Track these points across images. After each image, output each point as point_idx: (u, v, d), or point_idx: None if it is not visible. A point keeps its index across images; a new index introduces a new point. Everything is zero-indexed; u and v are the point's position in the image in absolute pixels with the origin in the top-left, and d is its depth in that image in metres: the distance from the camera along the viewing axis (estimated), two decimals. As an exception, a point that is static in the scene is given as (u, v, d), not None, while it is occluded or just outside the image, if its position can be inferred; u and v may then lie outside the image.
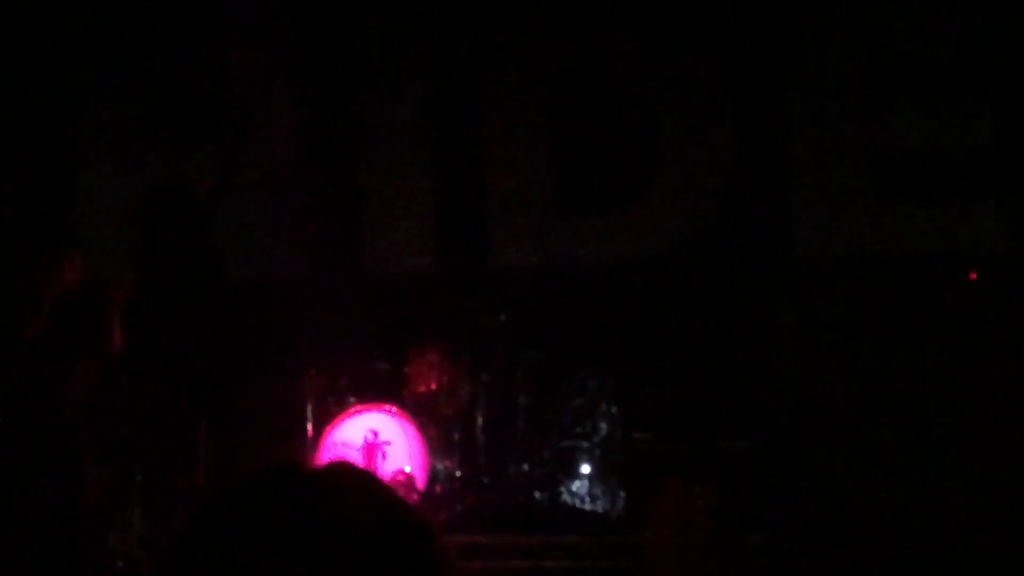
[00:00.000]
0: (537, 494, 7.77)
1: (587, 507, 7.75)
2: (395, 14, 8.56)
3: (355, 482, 1.13)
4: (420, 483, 7.30)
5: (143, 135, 8.59)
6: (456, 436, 7.68)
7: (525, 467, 7.77)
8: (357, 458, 6.85)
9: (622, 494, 7.68)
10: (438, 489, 7.52)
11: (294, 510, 1.06)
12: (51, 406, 5.65)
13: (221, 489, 1.14)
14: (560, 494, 7.79)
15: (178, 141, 8.43)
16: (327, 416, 7.48)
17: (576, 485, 7.80)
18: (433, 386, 7.67)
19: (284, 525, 1.05)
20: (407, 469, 7.30)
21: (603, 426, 7.82)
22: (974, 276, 7.56)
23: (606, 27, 8.41)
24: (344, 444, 7.27)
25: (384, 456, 7.26)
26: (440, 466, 7.56)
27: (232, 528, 1.07)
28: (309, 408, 7.63)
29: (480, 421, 7.76)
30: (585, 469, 7.80)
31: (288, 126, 8.34)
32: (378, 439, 7.28)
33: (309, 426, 7.53)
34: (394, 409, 7.53)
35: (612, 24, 8.39)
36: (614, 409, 7.82)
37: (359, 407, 7.54)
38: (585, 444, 7.82)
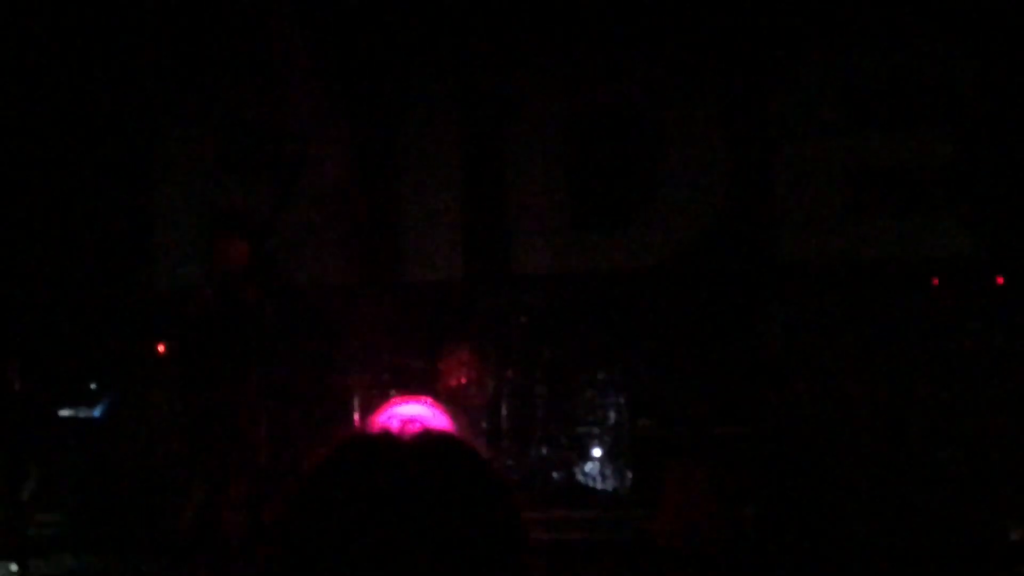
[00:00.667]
0: (555, 474, 7.84)
1: (598, 486, 7.80)
2: (432, 60, 8.54)
3: (450, 446, 1.14)
4: None
5: (219, 165, 8.73)
6: (483, 423, 7.71)
7: (544, 450, 7.83)
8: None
9: (629, 474, 7.73)
10: None
11: (396, 467, 1.07)
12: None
13: (330, 451, 1.12)
14: (574, 474, 7.84)
15: (247, 170, 8.51)
16: (371, 405, 7.40)
17: (588, 466, 7.86)
18: (463, 379, 7.68)
19: (389, 480, 1.06)
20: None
21: (612, 414, 7.89)
22: (936, 280, 7.50)
23: (615, 71, 8.37)
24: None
25: (420, 441, 7.30)
26: None
27: (346, 483, 1.07)
28: (356, 398, 7.60)
29: (504, 410, 7.82)
30: (596, 452, 7.86)
31: (338, 156, 8.40)
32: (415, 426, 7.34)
33: (356, 414, 7.48)
34: (429, 400, 7.54)
35: (620, 68, 8.34)
36: (621, 399, 7.88)
37: (398, 398, 7.45)
38: (596, 430, 7.88)
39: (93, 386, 8.11)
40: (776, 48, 7.94)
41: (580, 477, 7.82)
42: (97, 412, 7.90)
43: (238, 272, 5.98)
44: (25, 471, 8.09)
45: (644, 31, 8.08)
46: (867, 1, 7.68)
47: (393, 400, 7.53)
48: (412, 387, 7.55)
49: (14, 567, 7.44)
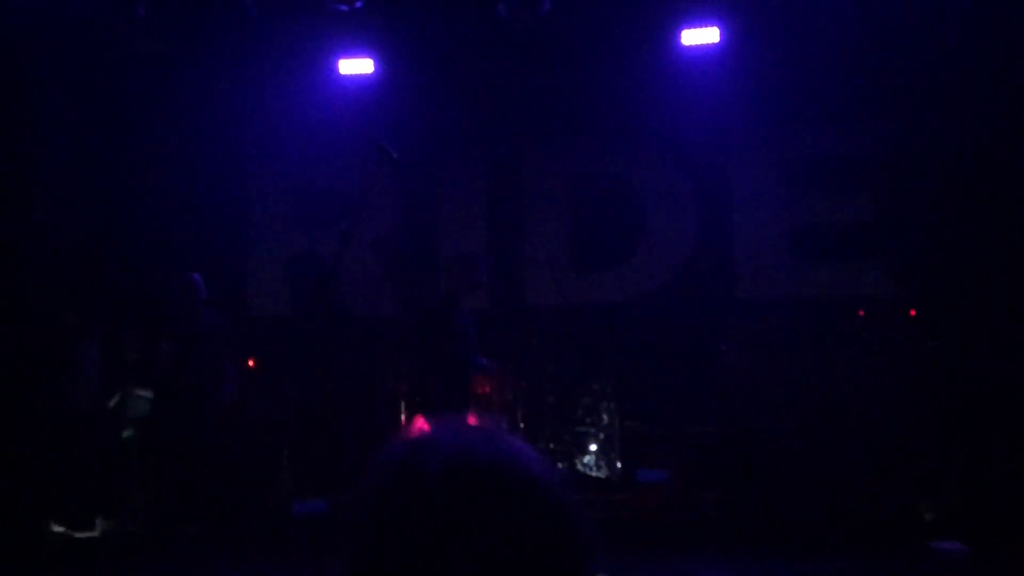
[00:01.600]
0: (560, 465, 7.80)
1: (595, 474, 7.79)
2: (465, 135, 8.65)
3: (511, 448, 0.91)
4: None
5: (296, 217, 8.83)
6: (503, 424, 7.82)
7: (551, 446, 7.81)
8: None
9: (619, 464, 7.81)
10: None
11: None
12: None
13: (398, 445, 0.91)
14: (575, 465, 7.82)
15: (317, 220, 8.53)
16: (413, 412, 7.35)
17: (587, 459, 7.83)
18: (487, 389, 7.59)
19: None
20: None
21: (605, 417, 7.85)
22: (862, 313, 7.60)
23: (607, 144, 8.49)
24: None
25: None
26: None
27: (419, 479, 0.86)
28: (403, 405, 7.70)
29: (519, 414, 7.74)
30: (593, 447, 7.84)
31: (389, 211, 8.51)
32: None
33: (401, 417, 7.52)
34: None
35: (611, 142, 8.46)
36: (613, 405, 7.84)
37: None
38: (593, 430, 7.85)
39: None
40: (732, 133, 8.09)
41: (580, 467, 7.80)
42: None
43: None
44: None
45: (631, 122, 8.24)
46: (804, 91, 7.78)
47: (432, 407, 7.73)
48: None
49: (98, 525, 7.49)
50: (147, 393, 7.53)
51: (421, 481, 0.86)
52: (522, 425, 7.78)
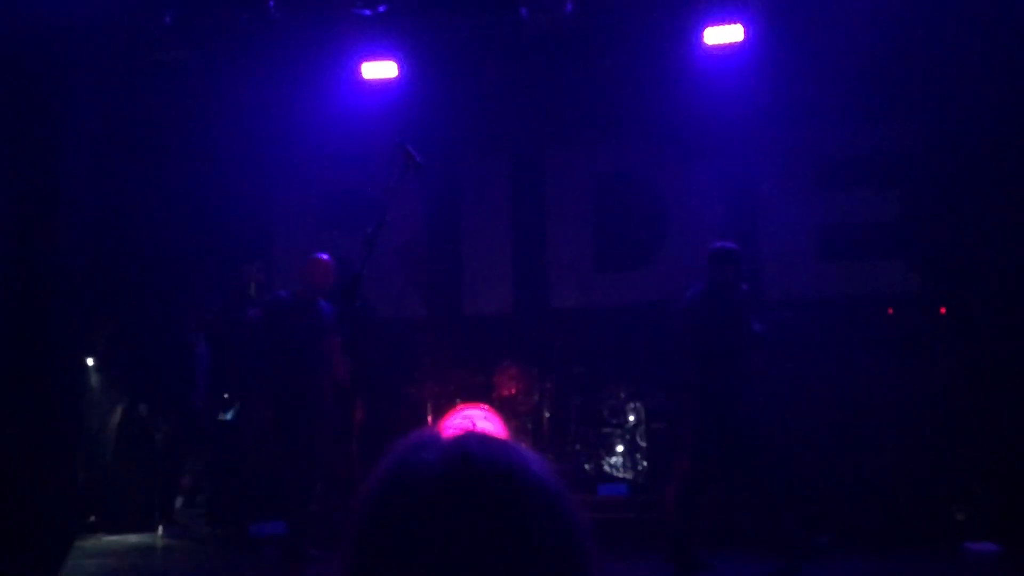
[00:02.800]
0: (587, 466, 7.80)
1: (620, 474, 7.75)
2: (489, 136, 8.69)
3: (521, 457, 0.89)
4: None
5: (320, 223, 8.82)
6: (529, 426, 7.71)
7: (577, 447, 7.80)
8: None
9: (645, 464, 7.75)
10: None
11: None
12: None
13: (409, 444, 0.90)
14: (602, 465, 7.78)
15: (342, 227, 8.48)
16: (441, 412, 7.53)
17: (613, 459, 7.80)
18: (513, 391, 7.71)
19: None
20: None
21: (631, 418, 7.82)
22: (891, 311, 7.48)
23: (630, 145, 8.48)
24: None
25: (479, 441, 7.33)
26: None
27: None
28: (428, 406, 7.77)
29: (546, 415, 7.79)
30: (619, 448, 7.80)
31: (413, 214, 8.57)
32: (475, 428, 7.40)
33: (429, 418, 7.61)
34: (486, 407, 7.51)
35: (636, 143, 8.45)
36: (638, 405, 7.81)
37: (462, 406, 7.53)
38: (619, 431, 7.81)
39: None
40: (756, 131, 8.01)
41: (606, 468, 7.76)
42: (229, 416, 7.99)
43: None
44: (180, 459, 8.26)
45: (655, 122, 8.22)
46: (829, 89, 7.71)
47: (458, 407, 7.67)
48: (473, 397, 7.67)
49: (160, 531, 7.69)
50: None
51: (420, 483, 0.85)
52: (548, 427, 7.79)
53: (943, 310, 7.41)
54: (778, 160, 8.09)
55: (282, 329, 6.09)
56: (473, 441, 0.89)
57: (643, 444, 7.76)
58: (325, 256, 6.34)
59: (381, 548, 0.84)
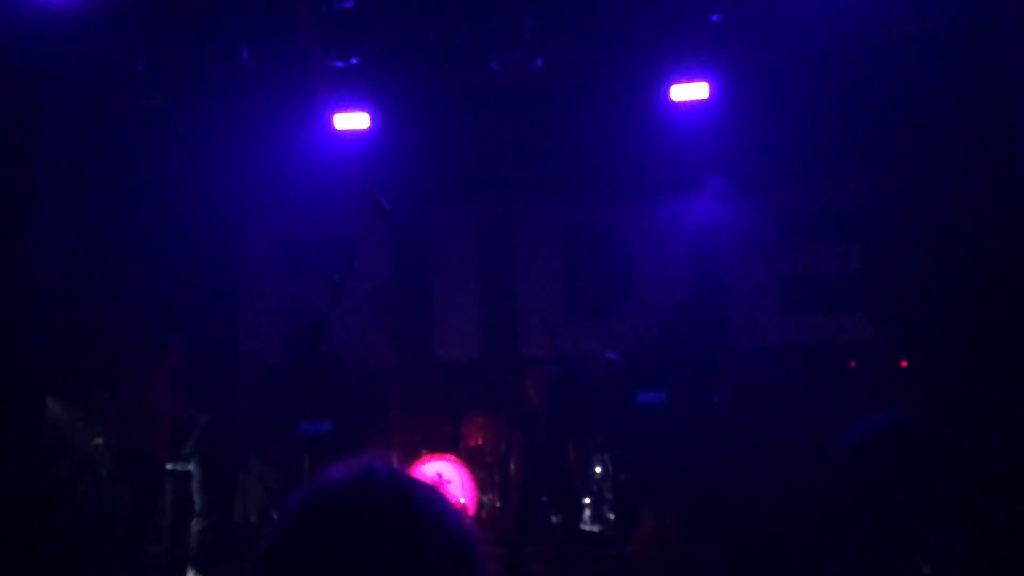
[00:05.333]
0: (553, 518, 7.60)
1: (588, 527, 7.54)
2: (457, 185, 8.65)
3: (429, 492, 0.98)
4: (471, 511, 7.21)
5: (289, 269, 8.83)
6: (496, 477, 7.56)
7: (544, 499, 7.55)
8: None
9: (612, 517, 7.58)
10: (483, 515, 7.39)
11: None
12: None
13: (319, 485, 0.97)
14: (571, 518, 7.54)
15: (310, 274, 8.46)
16: (407, 462, 7.35)
17: (582, 512, 7.59)
18: (480, 441, 7.56)
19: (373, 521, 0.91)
20: (462, 501, 7.20)
21: (598, 469, 7.62)
22: (853, 364, 7.50)
23: (598, 196, 8.51)
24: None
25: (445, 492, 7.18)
26: (484, 499, 7.44)
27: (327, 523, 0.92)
28: (394, 457, 7.65)
29: (512, 467, 7.59)
30: (586, 500, 7.59)
31: (381, 263, 8.51)
32: (442, 479, 7.19)
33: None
34: (452, 457, 7.44)
35: (604, 194, 8.48)
36: (606, 456, 7.62)
37: (428, 456, 7.47)
38: (585, 483, 7.57)
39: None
40: (724, 183, 8.05)
41: (574, 520, 7.52)
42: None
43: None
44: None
45: (622, 174, 8.24)
46: (793, 145, 7.81)
47: (424, 458, 7.55)
48: (439, 447, 7.55)
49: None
50: None
51: (326, 494, 0.94)
52: (515, 477, 7.64)
53: (904, 363, 7.42)
54: (743, 213, 8.11)
55: None
56: (379, 465, 0.98)
57: (610, 496, 7.60)
58: None
59: (289, 553, 0.91)
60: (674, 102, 7.58)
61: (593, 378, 7.14)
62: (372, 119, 7.95)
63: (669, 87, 7.53)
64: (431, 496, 0.99)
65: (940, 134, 7.20)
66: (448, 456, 7.52)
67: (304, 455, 5.61)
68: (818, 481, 6.92)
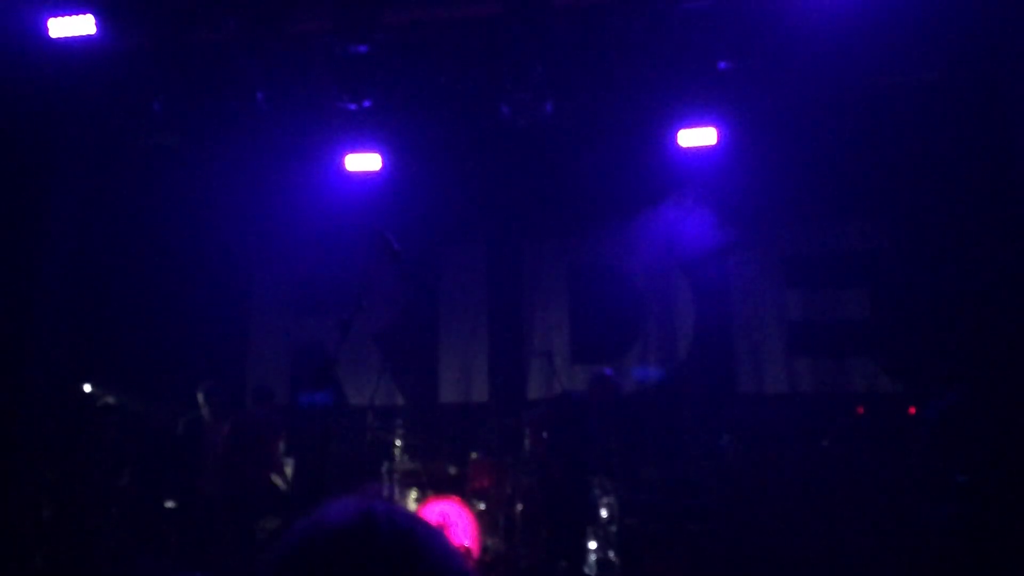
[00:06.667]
0: (562, 563, 7.50)
1: (594, 572, 7.42)
2: (466, 230, 8.71)
3: (431, 533, 0.93)
4: (475, 554, 7.11)
5: (298, 308, 8.83)
6: (501, 520, 7.40)
7: (552, 543, 7.37)
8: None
9: (617, 560, 7.44)
10: (487, 559, 7.27)
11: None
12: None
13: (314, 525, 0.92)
14: (578, 563, 7.40)
15: (319, 312, 8.57)
16: (411, 505, 7.28)
17: (586, 555, 7.47)
18: (485, 484, 7.44)
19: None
20: (465, 544, 7.11)
21: (604, 513, 7.46)
22: (861, 410, 7.43)
23: (608, 239, 8.49)
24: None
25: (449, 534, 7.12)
26: (489, 542, 7.32)
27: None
28: (397, 499, 7.45)
29: (518, 509, 7.44)
30: (592, 545, 7.45)
31: (389, 304, 8.53)
32: (446, 520, 7.11)
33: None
34: (457, 499, 7.33)
35: (612, 237, 8.45)
36: (611, 500, 7.47)
37: (433, 498, 7.37)
38: (591, 527, 7.43)
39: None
40: (729, 230, 8.07)
41: (578, 564, 7.41)
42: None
43: None
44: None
45: (630, 218, 8.23)
46: (800, 190, 7.83)
47: (429, 500, 7.43)
48: (444, 489, 7.41)
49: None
50: None
51: (323, 536, 0.90)
52: (520, 520, 7.55)
53: (912, 410, 7.33)
54: (750, 257, 8.12)
55: None
56: (377, 505, 0.93)
57: (616, 540, 7.47)
58: None
59: None
60: (682, 147, 7.60)
61: (591, 398, 7.07)
62: (383, 161, 8.00)
63: (677, 132, 7.56)
64: (432, 540, 0.93)
65: (946, 179, 7.20)
66: (452, 498, 7.40)
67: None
68: (825, 529, 6.83)
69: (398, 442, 7.64)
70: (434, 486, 7.44)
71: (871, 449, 7.04)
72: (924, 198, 7.37)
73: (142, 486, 7.67)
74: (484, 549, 7.28)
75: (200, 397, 7.50)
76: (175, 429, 7.89)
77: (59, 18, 6.56)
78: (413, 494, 7.46)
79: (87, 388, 7.76)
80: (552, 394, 7.73)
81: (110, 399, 7.71)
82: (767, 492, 7.05)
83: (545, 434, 7.28)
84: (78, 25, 6.56)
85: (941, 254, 7.30)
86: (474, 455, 7.57)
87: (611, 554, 7.49)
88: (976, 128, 7.01)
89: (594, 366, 8.37)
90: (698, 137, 7.53)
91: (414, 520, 0.94)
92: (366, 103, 7.49)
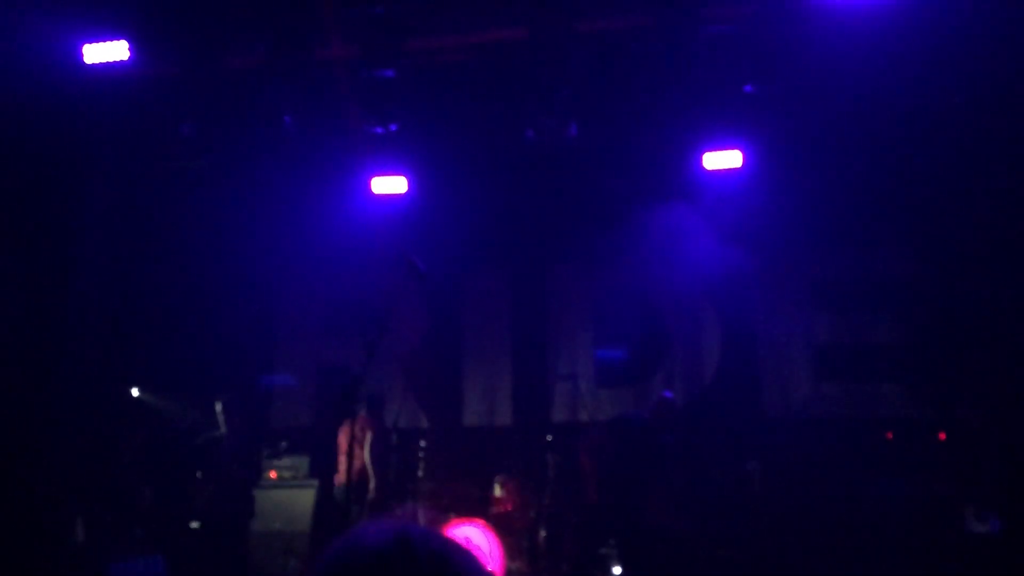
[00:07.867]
0: None
1: None
2: (489, 247, 8.75)
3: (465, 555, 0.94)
4: None
5: (324, 330, 8.89)
6: (525, 543, 7.39)
7: (573, 567, 7.38)
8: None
9: None
10: None
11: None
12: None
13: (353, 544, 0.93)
14: None
15: (345, 334, 8.65)
16: (434, 525, 7.38)
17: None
18: (509, 507, 7.42)
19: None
20: (490, 567, 7.10)
21: (630, 536, 7.53)
22: (890, 435, 7.32)
23: (633, 262, 8.43)
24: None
25: (473, 558, 7.01)
26: (513, 566, 7.25)
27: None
28: (421, 521, 7.55)
29: (542, 533, 7.45)
30: (616, 570, 7.40)
31: (414, 326, 8.59)
32: (470, 545, 7.06)
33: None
34: (481, 523, 7.29)
35: (636, 260, 8.39)
36: (638, 523, 7.55)
37: (457, 521, 7.30)
38: (616, 551, 7.42)
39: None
40: (755, 253, 8.02)
41: None
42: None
43: None
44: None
45: (655, 241, 8.19)
46: (826, 214, 7.77)
47: (452, 523, 7.37)
48: (468, 512, 7.37)
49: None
50: None
51: (359, 559, 0.90)
52: (543, 544, 7.48)
53: (942, 436, 7.21)
54: (776, 281, 8.05)
55: None
56: (412, 528, 0.94)
57: (640, 560, 7.39)
58: None
59: None
60: (707, 170, 7.57)
61: (652, 422, 6.97)
62: (409, 184, 8.03)
63: (702, 155, 7.53)
64: (467, 563, 0.94)
65: (974, 203, 7.11)
66: (477, 521, 7.34)
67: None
68: (854, 554, 6.72)
69: (421, 464, 7.62)
70: (458, 509, 7.41)
71: (900, 474, 6.91)
72: (952, 222, 7.29)
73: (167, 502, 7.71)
74: (508, 573, 7.22)
75: (218, 407, 7.51)
76: (195, 443, 7.94)
77: (94, 44, 6.67)
78: (436, 517, 7.42)
79: (135, 392, 7.90)
80: (595, 418, 7.68)
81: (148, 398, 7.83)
82: (794, 517, 6.95)
83: (601, 457, 7.21)
84: (112, 51, 6.67)
85: (970, 279, 7.20)
86: (498, 479, 7.53)
87: (635, 573, 7.41)
88: (1005, 152, 6.93)
89: (619, 389, 8.35)
90: (723, 160, 7.49)
91: (449, 543, 0.95)
92: (392, 127, 7.53)
